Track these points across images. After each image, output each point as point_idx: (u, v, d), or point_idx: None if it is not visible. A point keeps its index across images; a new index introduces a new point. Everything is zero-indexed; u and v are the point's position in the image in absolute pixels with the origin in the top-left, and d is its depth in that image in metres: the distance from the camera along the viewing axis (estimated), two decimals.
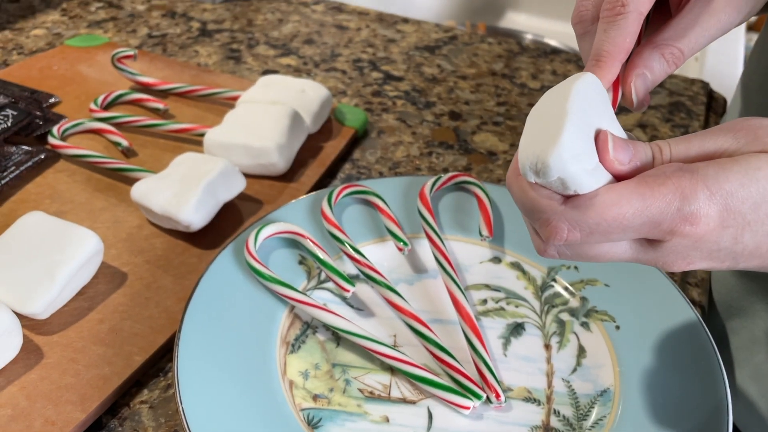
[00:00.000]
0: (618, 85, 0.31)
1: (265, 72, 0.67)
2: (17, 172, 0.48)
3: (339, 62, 0.70)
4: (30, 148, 0.50)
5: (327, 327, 0.39)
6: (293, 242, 0.43)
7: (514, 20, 1.41)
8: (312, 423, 0.34)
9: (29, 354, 0.36)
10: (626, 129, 0.30)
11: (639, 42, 0.31)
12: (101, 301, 0.40)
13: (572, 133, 0.25)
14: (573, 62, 0.72)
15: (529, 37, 1.14)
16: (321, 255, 0.41)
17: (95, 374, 0.36)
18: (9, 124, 0.51)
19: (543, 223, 0.27)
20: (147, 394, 0.36)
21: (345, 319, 0.38)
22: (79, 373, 0.36)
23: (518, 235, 0.45)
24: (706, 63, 0.95)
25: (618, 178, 0.27)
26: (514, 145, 0.58)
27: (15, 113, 0.52)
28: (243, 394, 0.34)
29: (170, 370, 0.37)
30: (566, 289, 0.42)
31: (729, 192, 0.25)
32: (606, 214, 0.26)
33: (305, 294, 0.39)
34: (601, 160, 0.27)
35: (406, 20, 0.80)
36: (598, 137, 0.27)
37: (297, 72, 0.67)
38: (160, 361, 0.38)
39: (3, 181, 0.47)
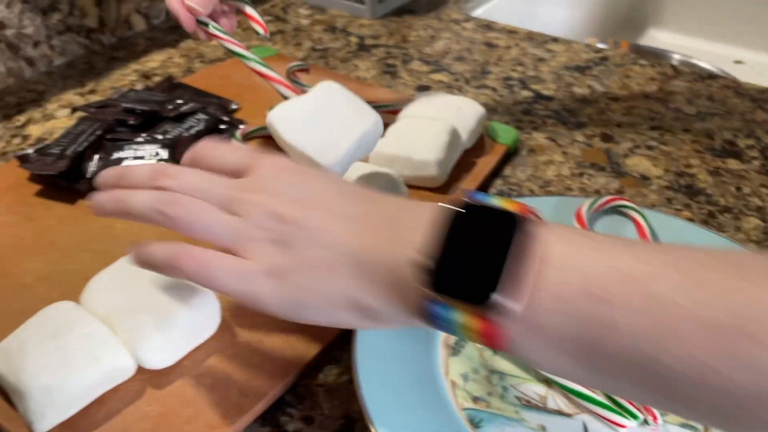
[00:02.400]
0: None
1: (419, 87, 0.71)
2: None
3: (489, 79, 0.72)
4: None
5: None
6: None
7: (656, 38, 1.37)
8: (474, 422, 0.36)
9: (224, 332, 0.41)
10: None
11: None
12: None
13: None
14: (731, 88, 0.70)
15: (677, 57, 1.11)
16: None
17: (280, 355, 0.40)
18: (202, 127, 0.58)
19: None
20: (322, 378, 0.40)
21: None
22: (266, 353, 0.40)
23: None
24: None
25: None
26: (669, 171, 0.58)
27: (206, 117, 0.59)
28: (413, 387, 0.37)
29: (342, 358, 0.41)
30: None
31: None
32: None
33: None
34: None
35: (555, 39, 0.81)
36: None
37: (449, 88, 0.71)
38: (333, 350, 0.42)
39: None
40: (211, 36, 0.49)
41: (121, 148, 0.53)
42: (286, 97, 0.47)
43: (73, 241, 0.48)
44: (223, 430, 0.36)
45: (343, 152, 0.42)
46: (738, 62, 1.20)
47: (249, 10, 0.51)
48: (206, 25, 0.49)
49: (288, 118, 0.43)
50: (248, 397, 0.38)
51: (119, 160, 0.52)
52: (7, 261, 0.47)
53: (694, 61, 1.10)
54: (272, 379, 0.39)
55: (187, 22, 0.48)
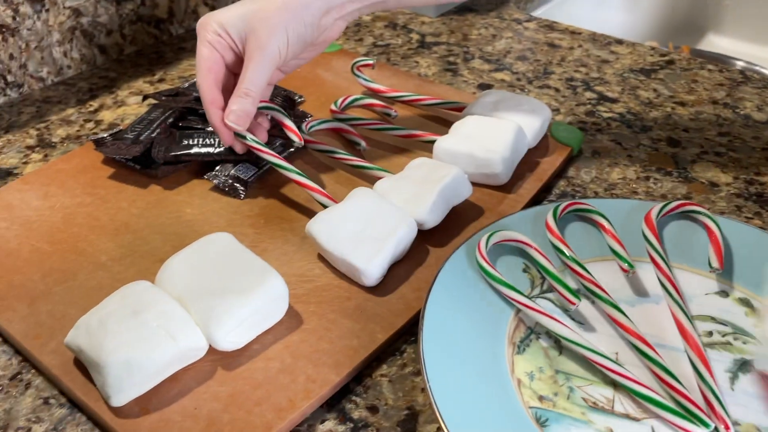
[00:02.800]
0: None
1: (481, 86, 0.71)
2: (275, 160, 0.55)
3: (552, 80, 0.72)
4: (285, 141, 0.57)
5: (550, 334, 0.41)
6: (518, 251, 0.46)
7: (715, 43, 1.34)
8: (540, 421, 0.36)
9: (292, 319, 0.42)
10: None
11: None
12: (349, 279, 0.45)
13: None
14: None
15: (740, 63, 1.08)
16: (547, 266, 0.44)
17: (345, 344, 0.41)
18: (269, 118, 0.59)
19: None
20: (386, 369, 0.41)
21: (569, 328, 0.40)
22: (332, 341, 0.41)
23: (749, 271, 0.44)
24: None
25: None
26: (738, 178, 0.57)
27: (276, 107, 0.60)
28: (479, 383, 0.37)
29: (405, 350, 0.42)
30: None
31: None
32: None
33: (531, 299, 0.41)
34: None
35: (620, 41, 0.79)
36: None
37: (511, 87, 0.70)
38: (396, 342, 0.42)
39: (265, 167, 0.54)
40: (248, 147, 0.51)
41: (191, 136, 0.54)
42: (323, 205, 0.49)
43: (145, 223, 0.50)
44: (290, 413, 0.37)
45: (382, 256, 0.44)
46: None
47: (285, 120, 0.53)
48: (244, 137, 0.51)
49: (326, 227, 0.45)
50: (315, 383, 0.38)
51: (189, 146, 0.53)
52: (82, 240, 0.48)
53: (758, 68, 1.07)
54: (338, 366, 0.39)
55: (225, 136, 0.50)
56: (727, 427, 0.35)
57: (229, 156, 0.53)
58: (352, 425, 0.38)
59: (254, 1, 0.49)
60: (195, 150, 0.53)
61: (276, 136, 0.57)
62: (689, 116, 0.65)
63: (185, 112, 0.58)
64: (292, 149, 0.57)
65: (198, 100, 0.59)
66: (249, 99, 0.49)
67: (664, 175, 0.57)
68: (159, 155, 0.52)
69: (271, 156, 0.50)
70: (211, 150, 0.53)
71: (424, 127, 0.61)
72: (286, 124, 0.53)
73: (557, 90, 0.70)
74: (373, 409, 0.39)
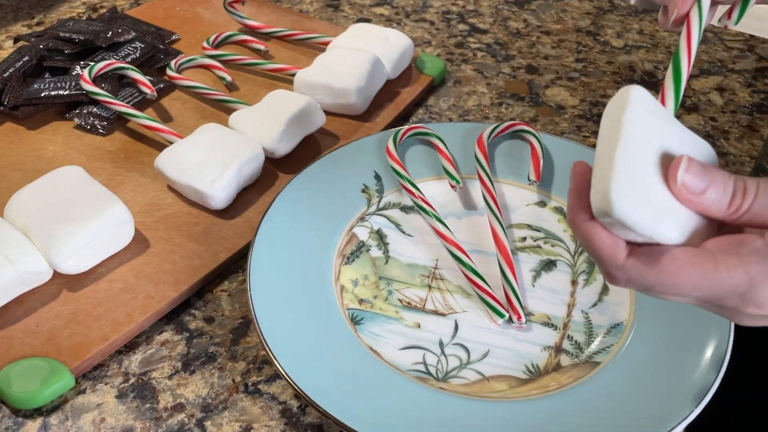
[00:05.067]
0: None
1: (359, 20, 0.72)
2: (140, 97, 0.57)
3: (429, 13, 0.74)
4: (152, 78, 0.59)
5: (381, 246, 0.45)
6: (358, 172, 0.49)
7: None
8: (354, 320, 0.40)
9: (139, 243, 0.45)
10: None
11: None
12: (199, 207, 0.48)
13: (627, 180, 0.24)
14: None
15: None
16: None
17: (188, 264, 0.44)
18: (138, 55, 0.60)
19: (602, 269, 0.27)
20: (227, 285, 0.44)
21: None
22: (175, 262, 0.44)
23: (565, 183, 0.48)
24: None
25: (701, 213, 0.26)
26: (585, 101, 0.60)
27: (142, 46, 0.61)
28: (301, 291, 0.41)
29: (246, 267, 0.45)
30: None
31: None
32: (664, 281, 0.25)
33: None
34: (669, 187, 0.25)
35: None
36: (672, 162, 0.25)
37: (388, 21, 0.72)
38: (240, 261, 0.46)
39: (130, 103, 0.56)
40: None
41: (43, 81, 0.55)
42: (171, 143, 0.51)
43: (7, 161, 0.51)
44: (126, 327, 0.40)
45: (225, 179, 0.46)
46: None
47: (137, 75, 0.56)
48: (95, 93, 0.53)
49: (172, 160, 0.48)
50: (153, 299, 0.41)
51: (39, 90, 0.54)
52: None
53: None
54: (178, 284, 0.42)
55: None
56: (519, 317, 0.40)
57: (81, 96, 0.54)
58: (188, 335, 0.41)
59: None
60: (45, 93, 0.54)
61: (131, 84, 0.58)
62: (552, 44, 0.68)
63: (52, 53, 0.59)
64: (157, 87, 0.58)
65: (63, 39, 0.60)
66: None
67: (516, 101, 0.60)
68: (9, 101, 0.53)
69: (118, 106, 0.52)
70: (62, 92, 0.54)
71: (295, 62, 0.63)
72: (138, 79, 0.56)
73: (432, 23, 0.72)
74: (209, 320, 0.42)
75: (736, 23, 0.32)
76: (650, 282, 0.26)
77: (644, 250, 0.26)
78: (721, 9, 0.35)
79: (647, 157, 0.25)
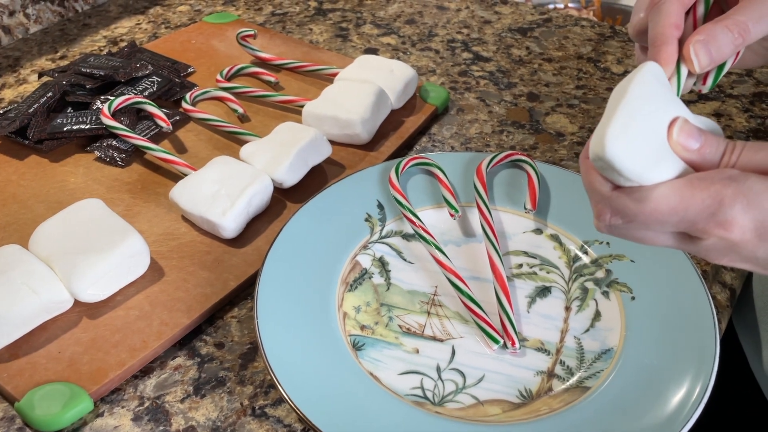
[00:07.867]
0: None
1: (367, 50, 0.75)
2: (157, 130, 0.60)
3: (434, 42, 0.76)
4: (168, 111, 0.62)
5: (383, 273, 0.47)
6: (363, 202, 0.51)
7: None
8: (356, 346, 0.42)
9: (154, 272, 0.48)
10: (703, 116, 0.31)
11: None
12: (211, 236, 0.50)
13: (623, 128, 0.26)
14: None
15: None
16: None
17: (200, 292, 0.46)
18: (155, 89, 0.63)
19: (593, 204, 0.31)
20: (236, 311, 0.46)
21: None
22: (188, 290, 0.46)
23: (561, 211, 0.50)
24: None
25: (694, 167, 0.29)
26: (584, 128, 0.62)
27: (159, 80, 0.64)
28: (305, 318, 0.43)
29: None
30: (595, 261, 0.47)
31: (767, 209, 0.26)
32: (644, 208, 0.28)
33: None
34: (668, 141, 0.28)
35: (504, 2, 0.84)
36: (672, 123, 0.28)
37: (395, 51, 0.75)
38: (249, 288, 0.48)
39: (147, 136, 0.59)
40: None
41: (64, 115, 0.58)
42: (185, 175, 0.54)
43: (31, 193, 0.54)
44: (142, 352, 0.42)
45: (235, 209, 0.49)
46: None
47: (153, 110, 0.59)
48: (115, 128, 0.56)
49: (185, 192, 0.50)
50: (168, 326, 0.44)
51: (62, 125, 0.57)
52: None
53: None
54: (190, 311, 0.45)
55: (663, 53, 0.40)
56: (513, 343, 0.42)
57: (101, 130, 0.57)
58: (199, 359, 0.43)
59: None
60: (67, 127, 0.57)
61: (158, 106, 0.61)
62: (553, 71, 0.70)
63: (74, 88, 0.62)
64: (173, 119, 0.61)
65: (85, 75, 0.63)
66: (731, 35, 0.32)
67: (517, 128, 0.62)
68: (34, 135, 0.57)
69: (135, 140, 0.55)
70: (83, 126, 0.57)
71: (304, 93, 0.66)
72: (155, 113, 0.59)
73: (437, 52, 0.74)
74: (219, 346, 0.44)
75: (710, 89, 0.34)
76: (632, 211, 0.28)
77: (630, 187, 0.28)
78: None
79: (648, 113, 0.28)
